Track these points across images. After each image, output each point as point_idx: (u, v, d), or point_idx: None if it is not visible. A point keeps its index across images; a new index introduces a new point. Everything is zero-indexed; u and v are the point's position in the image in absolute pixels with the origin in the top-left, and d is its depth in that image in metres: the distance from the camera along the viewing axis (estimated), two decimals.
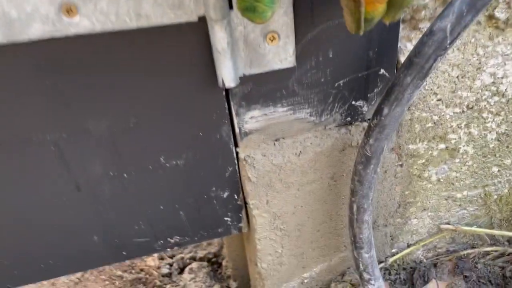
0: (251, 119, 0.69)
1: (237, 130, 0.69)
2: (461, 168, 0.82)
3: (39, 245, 0.74)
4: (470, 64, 0.71)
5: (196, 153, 0.71)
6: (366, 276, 0.79)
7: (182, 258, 1.27)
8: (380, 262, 0.91)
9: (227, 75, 0.59)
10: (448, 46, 0.58)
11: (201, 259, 1.26)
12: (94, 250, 0.78)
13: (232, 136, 0.71)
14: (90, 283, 1.25)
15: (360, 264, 0.78)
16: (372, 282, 0.80)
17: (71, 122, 0.61)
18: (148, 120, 0.64)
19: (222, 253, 1.25)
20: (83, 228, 0.74)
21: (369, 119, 0.74)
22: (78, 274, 1.28)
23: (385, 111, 0.63)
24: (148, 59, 0.58)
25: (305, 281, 0.88)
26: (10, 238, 0.71)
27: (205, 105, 0.65)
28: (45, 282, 1.28)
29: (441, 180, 0.83)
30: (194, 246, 1.30)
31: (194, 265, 1.19)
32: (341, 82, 0.68)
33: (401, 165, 0.80)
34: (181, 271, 1.24)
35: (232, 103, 0.66)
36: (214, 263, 1.26)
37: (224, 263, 1.22)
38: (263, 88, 0.66)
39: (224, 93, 0.65)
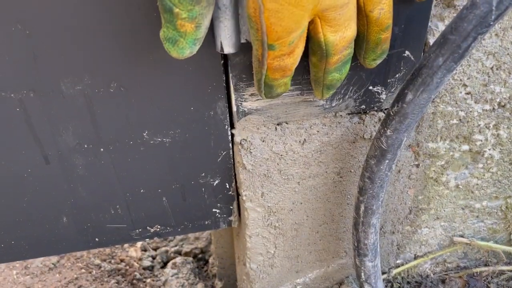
0: (252, 96, 0.59)
1: (234, 108, 0.60)
2: (484, 175, 0.73)
3: None
4: (508, 54, 0.62)
5: (185, 131, 0.61)
6: (367, 287, 0.70)
7: (167, 251, 1.18)
8: (382, 273, 0.81)
9: (227, 39, 0.50)
10: (491, 23, 0.49)
11: (186, 254, 1.17)
12: (63, 233, 0.69)
13: (228, 115, 0.61)
14: (65, 269, 1.16)
15: (362, 274, 0.69)
16: None
17: (39, 78, 0.52)
18: (131, 86, 0.55)
19: (210, 249, 1.16)
20: (50, 207, 0.65)
21: (386, 109, 0.65)
22: (54, 260, 1.19)
23: (409, 97, 0.54)
24: (132, 10, 0.49)
25: (298, 287, 0.79)
26: None
27: (198, 74, 0.56)
28: (17, 265, 1.19)
29: (460, 186, 0.74)
30: (180, 239, 1.21)
31: (178, 260, 1.10)
32: (358, 61, 0.59)
33: (417, 166, 0.70)
34: (164, 265, 1.15)
35: (230, 75, 0.57)
36: (200, 259, 1.16)
37: (211, 260, 1.13)
38: None
39: (222, 61, 0.56)
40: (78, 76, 0.53)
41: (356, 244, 0.67)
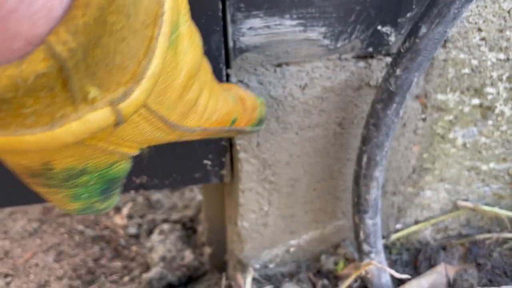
0: (250, 30, 0.54)
1: (230, 43, 0.55)
2: (493, 134, 0.69)
3: None
4: None
5: None
6: (366, 247, 0.66)
7: (154, 219, 1.13)
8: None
9: None
10: None
11: (175, 222, 1.12)
12: None
13: (223, 52, 0.56)
14: (46, 235, 1.11)
15: (361, 232, 0.65)
16: (372, 255, 0.66)
17: None
18: None
19: (199, 218, 1.11)
20: None
21: (394, 54, 0.60)
22: (35, 225, 1.13)
23: (423, 30, 0.49)
24: None
25: (292, 249, 0.75)
26: None
27: (191, 0, 0.51)
28: None
29: (467, 145, 0.69)
30: (168, 207, 1.16)
31: (166, 226, 1.05)
32: None
33: (424, 120, 0.66)
34: (151, 233, 1.10)
35: (227, 3, 0.52)
36: (189, 228, 1.12)
37: (200, 229, 1.08)
38: None
39: None
40: None
41: (356, 200, 0.63)
